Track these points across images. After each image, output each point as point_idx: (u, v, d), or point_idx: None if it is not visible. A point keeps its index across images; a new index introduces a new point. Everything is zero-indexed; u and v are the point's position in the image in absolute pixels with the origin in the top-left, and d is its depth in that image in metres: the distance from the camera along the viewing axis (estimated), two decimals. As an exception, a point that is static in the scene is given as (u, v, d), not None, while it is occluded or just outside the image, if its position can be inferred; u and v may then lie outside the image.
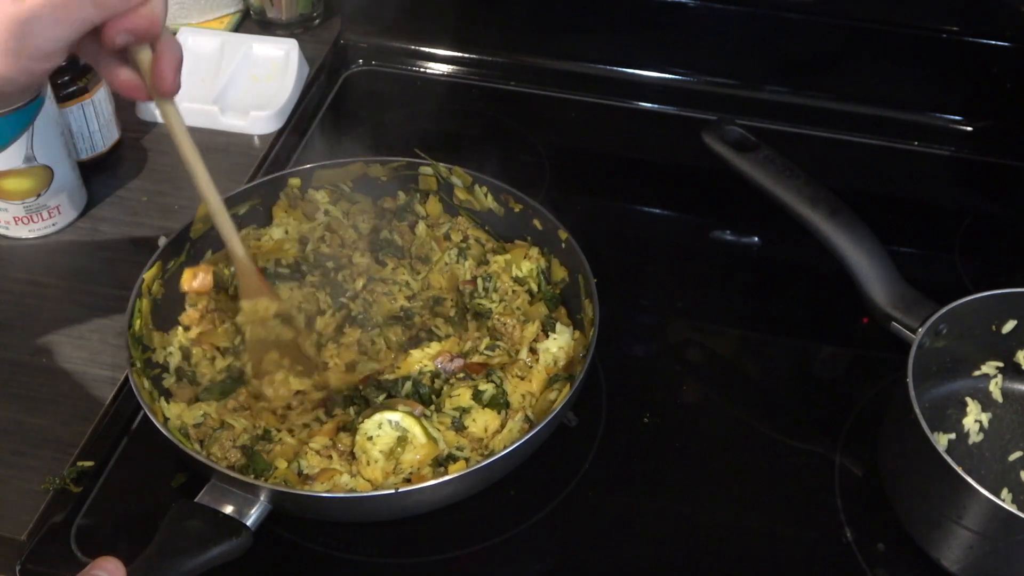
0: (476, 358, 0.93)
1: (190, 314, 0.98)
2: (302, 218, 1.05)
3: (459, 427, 0.88)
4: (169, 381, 0.93)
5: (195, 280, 0.97)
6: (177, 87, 0.75)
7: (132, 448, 0.92)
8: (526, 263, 1.00)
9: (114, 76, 0.75)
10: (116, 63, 0.74)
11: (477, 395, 0.90)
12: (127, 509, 0.87)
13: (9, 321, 1.01)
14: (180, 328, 0.97)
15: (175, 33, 1.31)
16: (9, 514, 0.85)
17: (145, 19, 0.69)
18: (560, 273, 1.00)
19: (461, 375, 0.92)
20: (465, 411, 0.89)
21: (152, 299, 0.94)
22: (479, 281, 1.00)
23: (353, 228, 1.05)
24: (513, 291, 0.99)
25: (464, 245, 1.04)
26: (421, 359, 0.94)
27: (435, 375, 0.93)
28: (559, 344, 0.94)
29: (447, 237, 1.05)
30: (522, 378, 0.92)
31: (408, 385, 0.91)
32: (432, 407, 0.90)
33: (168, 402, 0.91)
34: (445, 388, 0.91)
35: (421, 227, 1.06)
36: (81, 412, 0.93)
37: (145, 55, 0.73)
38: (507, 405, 0.90)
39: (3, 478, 0.88)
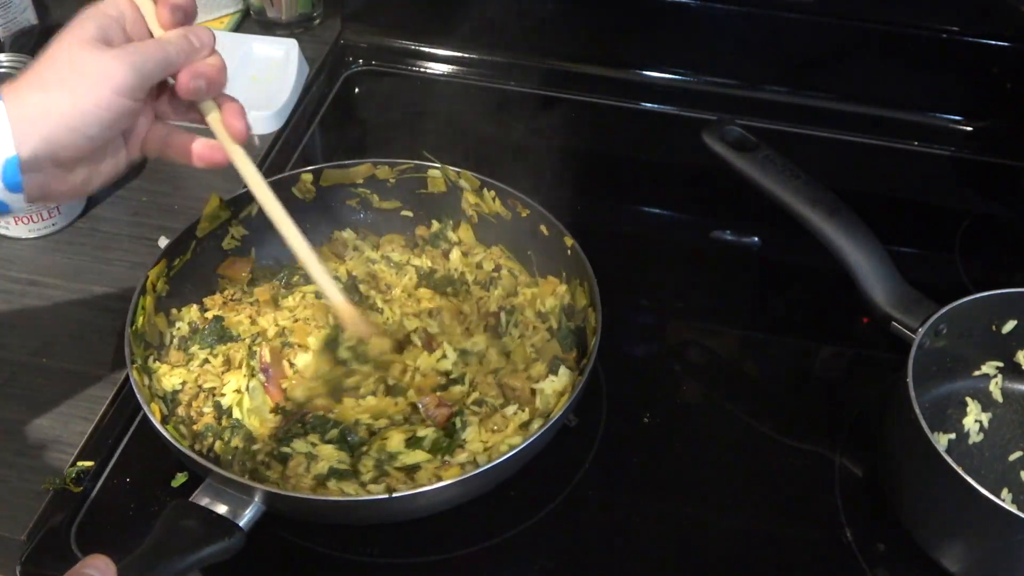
0: (485, 410, 0.90)
1: (215, 298, 0.99)
2: (334, 258, 1.05)
3: (382, 472, 0.85)
4: (166, 350, 0.95)
5: (234, 266, 1.02)
6: (248, 131, 0.79)
7: (132, 448, 0.92)
8: (551, 299, 0.98)
9: (185, 149, 0.80)
10: (184, 138, 0.80)
11: (415, 441, 0.86)
12: (127, 509, 0.87)
13: (9, 321, 1.01)
14: (196, 306, 0.98)
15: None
16: (9, 514, 0.85)
17: (213, 67, 0.77)
18: (582, 300, 0.96)
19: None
20: (393, 456, 0.86)
21: (156, 297, 0.94)
22: (502, 315, 0.98)
23: (386, 261, 1.05)
24: (534, 327, 0.97)
25: (496, 275, 1.03)
26: (369, 408, 0.89)
27: (369, 429, 0.88)
28: (555, 387, 0.91)
29: (479, 266, 1.04)
30: (495, 430, 0.88)
31: (335, 432, 0.87)
32: (363, 448, 0.87)
33: (156, 363, 0.92)
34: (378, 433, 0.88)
35: (455, 254, 1.05)
36: (81, 412, 0.93)
37: (211, 106, 0.78)
38: (460, 446, 0.86)
39: (3, 478, 0.88)
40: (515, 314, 0.98)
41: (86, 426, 0.92)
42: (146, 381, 0.88)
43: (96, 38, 0.73)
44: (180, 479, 0.88)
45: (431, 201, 1.08)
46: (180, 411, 0.90)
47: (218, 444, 0.88)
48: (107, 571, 0.66)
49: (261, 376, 0.92)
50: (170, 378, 0.92)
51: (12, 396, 0.94)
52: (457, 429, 0.87)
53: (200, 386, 0.92)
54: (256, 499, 0.79)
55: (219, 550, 0.77)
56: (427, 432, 0.86)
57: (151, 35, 0.76)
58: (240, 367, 0.93)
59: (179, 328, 0.97)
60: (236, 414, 0.90)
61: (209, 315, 0.98)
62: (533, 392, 0.91)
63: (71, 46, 0.72)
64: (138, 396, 0.84)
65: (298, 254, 0.82)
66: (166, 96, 0.79)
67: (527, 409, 0.89)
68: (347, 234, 1.07)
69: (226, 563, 0.78)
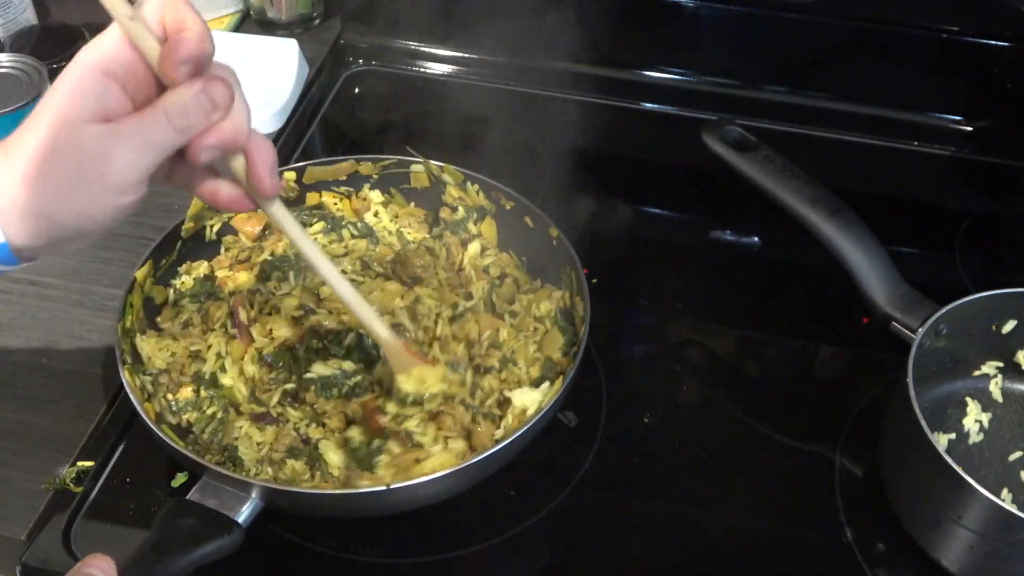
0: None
1: (220, 260, 1.01)
2: (353, 215, 1.08)
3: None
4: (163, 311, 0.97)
5: (248, 222, 1.03)
6: (277, 188, 0.71)
7: (132, 448, 0.92)
8: (546, 303, 0.97)
9: (214, 195, 0.72)
10: (211, 180, 0.71)
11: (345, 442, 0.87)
12: (127, 509, 0.87)
13: (9, 321, 1.01)
14: (205, 263, 1.01)
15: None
16: (9, 514, 0.85)
17: (229, 132, 0.66)
18: (580, 308, 0.95)
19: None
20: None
21: (144, 296, 0.95)
22: (506, 316, 0.97)
23: (398, 236, 1.06)
24: (534, 328, 0.96)
25: (498, 283, 1.02)
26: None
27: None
28: (523, 400, 0.89)
29: (486, 271, 1.04)
30: (403, 467, 0.86)
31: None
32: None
33: (145, 335, 0.93)
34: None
35: (475, 246, 1.04)
36: (81, 412, 0.93)
37: (238, 163, 0.70)
38: (370, 469, 0.85)
39: (3, 478, 0.88)
40: (517, 317, 0.97)
41: (86, 426, 0.92)
42: (137, 382, 0.88)
43: (92, 116, 0.64)
44: (180, 479, 0.88)
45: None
46: (163, 379, 0.92)
47: (193, 415, 0.90)
48: (109, 571, 0.66)
49: (231, 329, 0.94)
50: (160, 354, 0.93)
51: (12, 396, 0.94)
52: (373, 448, 0.86)
53: (188, 349, 0.94)
54: (253, 495, 0.80)
55: (218, 547, 0.77)
56: (354, 433, 0.87)
57: (156, 85, 0.66)
58: (221, 327, 0.95)
59: (183, 282, 0.99)
60: (220, 380, 0.91)
61: (220, 275, 1.00)
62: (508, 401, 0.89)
63: (71, 131, 0.63)
64: (131, 397, 0.84)
65: (344, 297, 0.79)
66: None
67: (460, 446, 0.86)
68: (375, 194, 1.08)
69: (226, 561, 0.78)
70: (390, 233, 1.07)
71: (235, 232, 1.04)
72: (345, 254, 1.04)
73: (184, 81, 0.64)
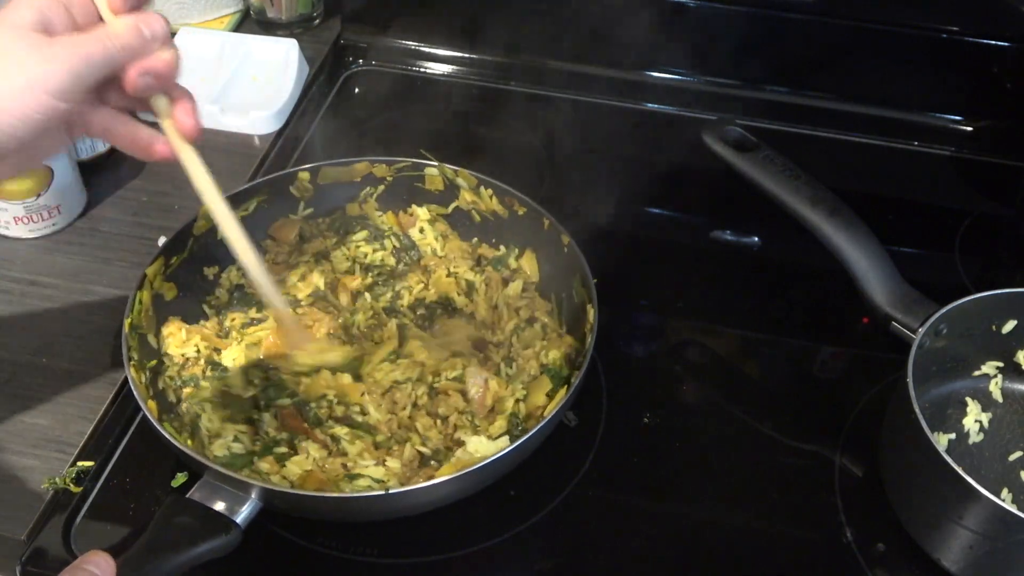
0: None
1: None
2: (397, 225, 1.08)
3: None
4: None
5: (283, 228, 1.05)
6: (199, 129, 0.76)
7: (132, 448, 0.92)
8: (554, 352, 0.95)
9: (133, 138, 0.77)
10: (131, 124, 0.76)
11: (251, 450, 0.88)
12: (127, 509, 0.87)
13: (9, 321, 1.01)
14: (235, 269, 1.02)
15: (174, 34, 1.33)
16: (9, 514, 0.85)
17: (164, 62, 0.72)
18: (591, 315, 0.93)
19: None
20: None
21: (153, 293, 0.95)
22: (502, 365, 0.97)
23: (447, 270, 1.05)
24: (535, 376, 0.94)
25: (524, 325, 1.00)
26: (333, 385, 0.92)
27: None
28: (477, 449, 0.87)
29: (517, 311, 1.02)
30: (325, 471, 0.87)
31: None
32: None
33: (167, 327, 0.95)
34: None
35: (516, 286, 1.02)
36: (81, 412, 0.93)
37: (162, 102, 0.75)
38: (282, 463, 0.87)
39: (3, 478, 0.88)
40: (517, 360, 0.96)
41: (86, 426, 0.92)
42: (142, 379, 0.89)
43: (34, 26, 0.68)
44: (180, 479, 0.88)
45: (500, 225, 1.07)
46: (177, 359, 0.94)
47: (190, 391, 0.91)
48: (106, 568, 0.66)
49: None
50: (185, 347, 0.94)
51: (12, 396, 0.94)
52: (280, 439, 0.87)
53: (212, 351, 0.95)
54: (253, 495, 0.80)
55: (215, 547, 0.77)
56: (271, 430, 0.89)
57: (99, 17, 0.72)
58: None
59: (218, 296, 1.00)
60: (224, 363, 0.93)
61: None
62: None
63: (4, 35, 0.68)
64: (135, 393, 0.84)
65: (241, 259, 0.80)
66: (114, 83, 0.73)
67: (395, 465, 0.86)
68: (422, 211, 1.08)
69: (224, 561, 0.78)
70: (433, 251, 1.06)
71: (273, 238, 1.06)
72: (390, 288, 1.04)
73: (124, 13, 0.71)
